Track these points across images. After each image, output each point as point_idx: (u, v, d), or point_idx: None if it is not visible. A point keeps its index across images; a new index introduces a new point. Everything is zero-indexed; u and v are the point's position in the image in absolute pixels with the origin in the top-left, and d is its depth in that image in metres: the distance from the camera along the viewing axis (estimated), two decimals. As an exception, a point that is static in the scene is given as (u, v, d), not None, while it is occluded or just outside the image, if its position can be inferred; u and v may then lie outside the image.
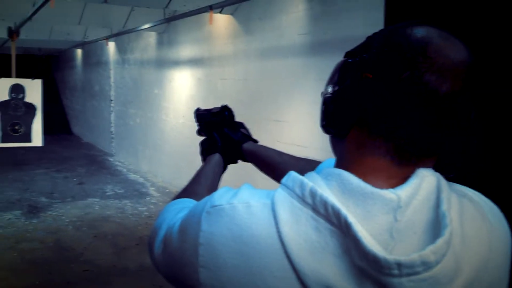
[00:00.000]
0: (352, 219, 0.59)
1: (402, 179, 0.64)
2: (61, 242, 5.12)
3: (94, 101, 11.77)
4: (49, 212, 6.16)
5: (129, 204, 6.63)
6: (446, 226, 0.59)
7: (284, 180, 0.67)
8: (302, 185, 0.64)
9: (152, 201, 6.80)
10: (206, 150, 1.25)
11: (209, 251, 0.66)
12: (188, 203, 0.92)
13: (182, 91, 7.12)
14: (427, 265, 0.57)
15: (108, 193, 7.21)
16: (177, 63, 7.31)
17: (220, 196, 0.69)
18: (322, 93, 0.73)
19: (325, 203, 0.61)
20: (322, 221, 0.61)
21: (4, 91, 5.77)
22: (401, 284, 0.57)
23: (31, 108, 5.92)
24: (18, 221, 5.77)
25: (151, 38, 8.18)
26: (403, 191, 0.61)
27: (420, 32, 0.65)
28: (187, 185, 1.10)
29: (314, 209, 0.61)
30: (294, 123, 4.59)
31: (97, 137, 11.72)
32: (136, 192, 7.29)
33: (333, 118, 0.69)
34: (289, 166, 1.08)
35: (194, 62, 6.73)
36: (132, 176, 8.46)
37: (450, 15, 1.63)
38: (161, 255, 0.79)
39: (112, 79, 10.33)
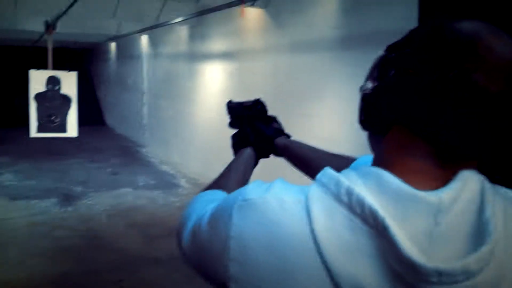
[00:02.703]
0: (390, 221, 0.56)
1: (444, 181, 0.61)
2: (93, 230, 5.25)
3: (127, 94, 11.96)
4: (83, 201, 6.32)
5: (161, 194, 6.73)
6: (490, 234, 0.56)
7: (319, 176, 0.65)
8: (338, 183, 0.61)
9: (183, 192, 6.89)
10: (237, 144, 1.23)
11: (239, 245, 0.64)
12: (217, 195, 0.91)
13: (213, 85, 7.16)
14: (469, 274, 0.55)
15: (140, 184, 7.34)
16: (208, 56, 7.35)
17: (252, 190, 0.67)
18: (360, 87, 0.69)
19: (362, 203, 0.58)
20: (357, 221, 0.58)
21: (41, 83, 5.94)
22: None
23: (66, 99, 6.08)
24: (53, 209, 5.95)
25: (183, 31, 8.25)
26: (445, 194, 0.58)
27: (469, 27, 0.60)
28: (217, 177, 1.08)
29: (350, 209, 0.59)
30: (324, 118, 4.57)
31: (130, 129, 11.92)
32: (168, 183, 7.39)
33: (372, 115, 0.66)
34: (323, 162, 1.04)
35: (225, 55, 6.76)
36: (163, 167, 8.57)
37: (487, 9, 1.59)
38: (190, 246, 0.78)
39: (144, 72, 10.48)
